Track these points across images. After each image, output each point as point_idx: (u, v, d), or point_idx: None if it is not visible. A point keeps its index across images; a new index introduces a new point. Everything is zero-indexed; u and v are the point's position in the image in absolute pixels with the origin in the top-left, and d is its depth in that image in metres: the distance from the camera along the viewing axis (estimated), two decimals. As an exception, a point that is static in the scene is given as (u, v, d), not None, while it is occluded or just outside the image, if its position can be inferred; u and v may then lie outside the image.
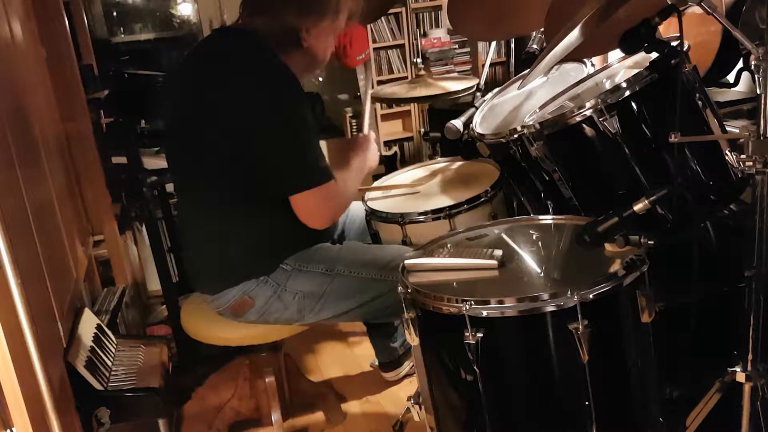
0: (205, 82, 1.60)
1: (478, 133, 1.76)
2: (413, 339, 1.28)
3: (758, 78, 1.14)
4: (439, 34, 4.41)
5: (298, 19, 1.58)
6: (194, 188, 1.68)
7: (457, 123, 1.91)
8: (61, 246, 1.78)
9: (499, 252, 1.31)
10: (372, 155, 1.84)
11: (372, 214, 1.86)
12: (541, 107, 1.67)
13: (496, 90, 2.07)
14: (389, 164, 4.24)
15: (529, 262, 1.32)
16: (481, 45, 4.32)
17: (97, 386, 1.51)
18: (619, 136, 1.40)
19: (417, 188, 2.01)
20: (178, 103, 1.67)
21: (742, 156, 1.17)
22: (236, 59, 1.57)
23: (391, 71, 4.37)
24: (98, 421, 1.49)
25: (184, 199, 1.78)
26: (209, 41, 1.75)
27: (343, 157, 1.75)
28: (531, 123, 1.51)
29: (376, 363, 2.26)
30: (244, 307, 1.67)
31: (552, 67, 1.92)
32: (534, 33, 2.17)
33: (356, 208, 1.99)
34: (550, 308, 1.13)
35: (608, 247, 1.25)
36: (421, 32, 4.43)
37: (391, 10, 4.14)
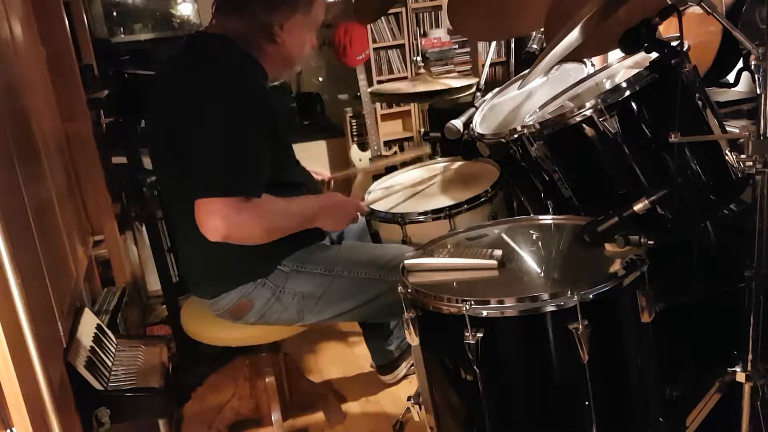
0: (172, 87, 1.59)
1: (478, 133, 1.76)
2: (413, 339, 1.28)
3: (758, 78, 1.14)
4: (439, 34, 4.41)
5: (268, 16, 1.57)
6: (182, 192, 1.66)
7: (457, 123, 1.91)
8: (61, 246, 1.78)
9: (499, 252, 1.31)
10: (333, 219, 1.69)
11: (372, 214, 1.86)
12: (541, 107, 1.67)
13: (496, 90, 2.07)
14: (389, 164, 4.23)
15: (529, 262, 1.32)
16: (481, 45, 4.31)
17: (97, 386, 1.51)
18: (619, 136, 1.40)
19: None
20: (156, 108, 1.65)
21: (742, 156, 1.17)
22: (194, 64, 1.57)
23: (391, 71, 4.36)
24: (98, 421, 1.49)
25: (173, 202, 1.73)
26: (182, 47, 1.71)
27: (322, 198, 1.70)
28: (531, 123, 1.51)
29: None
30: (243, 310, 1.67)
31: (552, 67, 1.92)
32: (534, 33, 2.17)
33: (356, 208, 1.98)
34: (550, 308, 1.13)
35: (608, 247, 1.25)
36: (421, 32, 4.42)
37: (391, 10, 4.14)
